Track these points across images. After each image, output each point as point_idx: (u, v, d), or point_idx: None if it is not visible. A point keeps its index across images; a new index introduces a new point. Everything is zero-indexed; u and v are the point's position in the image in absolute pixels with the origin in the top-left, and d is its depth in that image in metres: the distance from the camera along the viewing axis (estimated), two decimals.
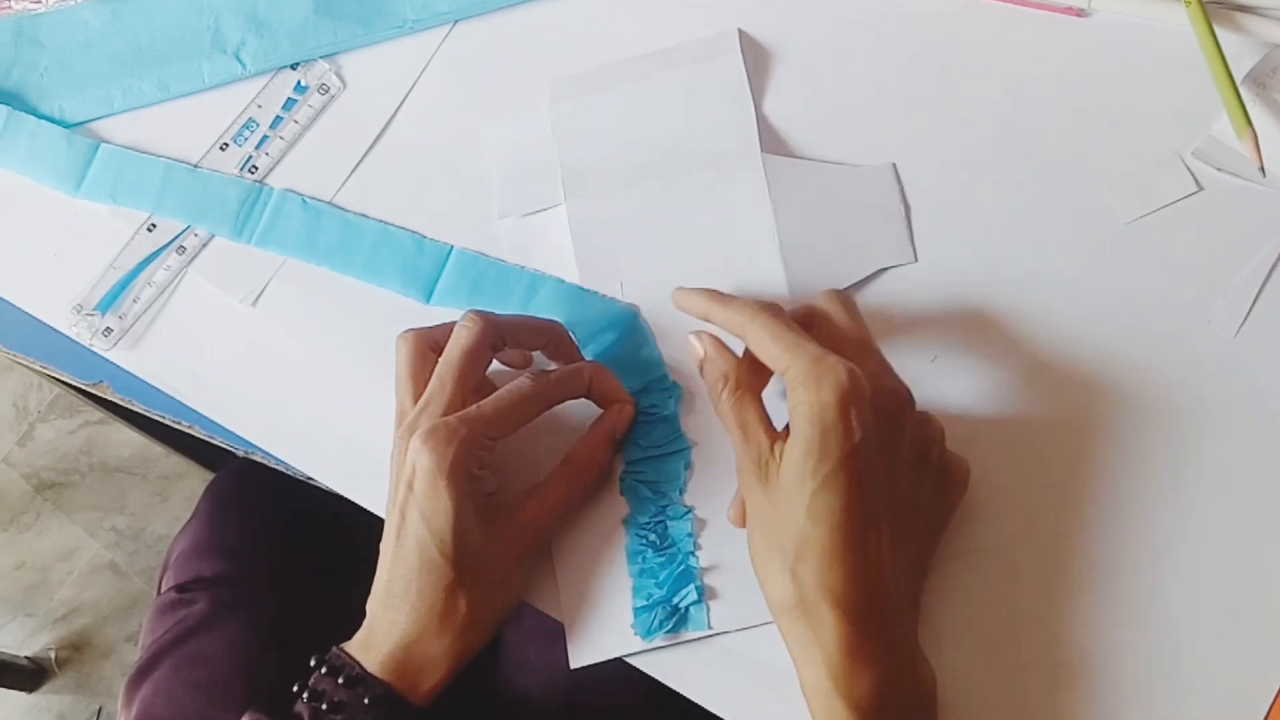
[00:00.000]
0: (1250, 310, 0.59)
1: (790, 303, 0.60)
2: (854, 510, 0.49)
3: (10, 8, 0.68)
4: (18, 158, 0.66)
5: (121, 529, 1.56)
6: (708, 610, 0.57)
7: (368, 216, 0.65)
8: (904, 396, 0.52)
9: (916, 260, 0.61)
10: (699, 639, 0.57)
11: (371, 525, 0.59)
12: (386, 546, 0.55)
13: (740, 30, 0.66)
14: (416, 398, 0.56)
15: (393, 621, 0.54)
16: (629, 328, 0.61)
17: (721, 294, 0.56)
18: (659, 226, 0.63)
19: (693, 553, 0.58)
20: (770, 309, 0.53)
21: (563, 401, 0.58)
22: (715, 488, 0.59)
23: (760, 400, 0.53)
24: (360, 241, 0.63)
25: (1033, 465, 0.58)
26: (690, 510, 0.58)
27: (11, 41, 0.68)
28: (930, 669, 0.52)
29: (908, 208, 0.62)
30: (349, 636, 0.56)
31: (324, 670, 0.54)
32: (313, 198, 0.65)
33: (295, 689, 0.54)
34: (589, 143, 0.64)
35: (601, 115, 0.65)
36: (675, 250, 0.63)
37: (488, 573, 0.54)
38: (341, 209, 0.65)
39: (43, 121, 0.66)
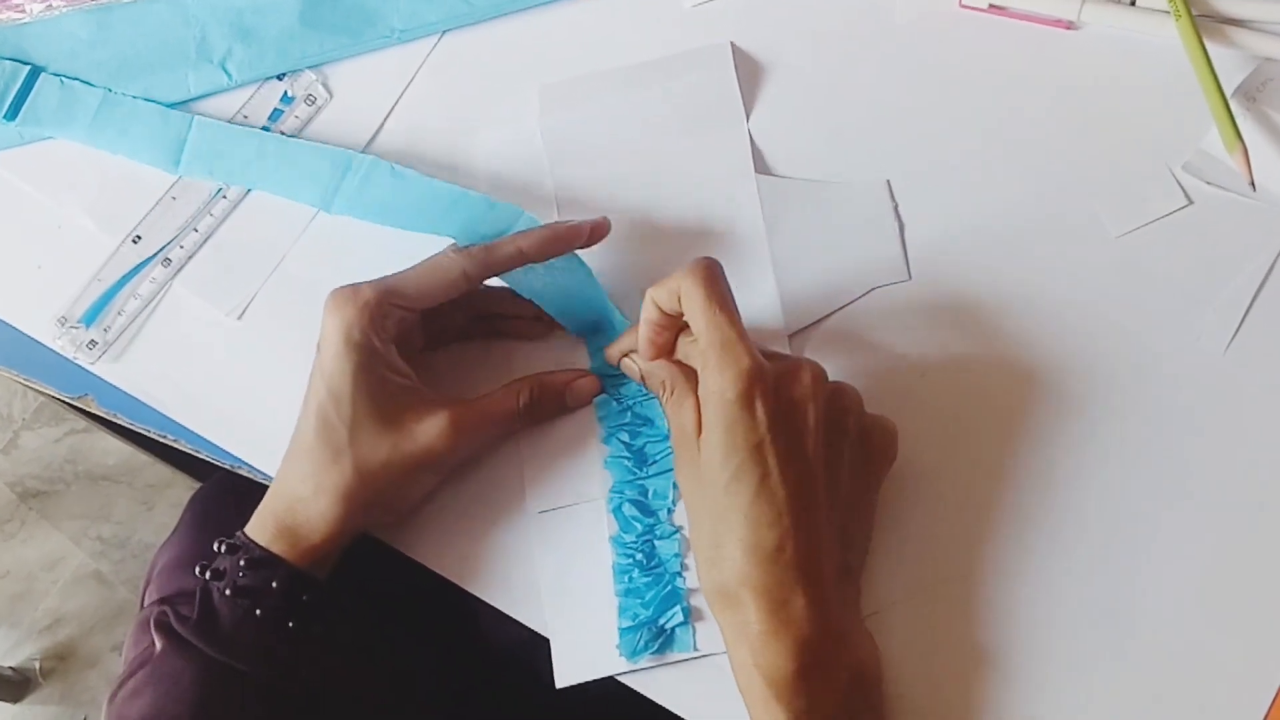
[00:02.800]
0: (1240, 325, 0.59)
1: (782, 331, 0.60)
2: (764, 498, 0.49)
3: None
4: (112, 137, 0.66)
5: (107, 538, 1.55)
6: (694, 631, 0.57)
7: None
8: (807, 373, 0.52)
9: (910, 279, 0.61)
10: (686, 659, 0.57)
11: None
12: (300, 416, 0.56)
13: (733, 44, 0.65)
14: None
15: (284, 480, 0.56)
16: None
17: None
18: (653, 246, 0.63)
19: (680, 573, 0.57)
20: (710, 269, 0.52)
21: (489, 276, 0.57)
22: None
23: (697, 397, 0.53)
24: (436, 203, 0.62)
25: (1021, 479, 0.58)
26: (678, 530, 0.58)
27: None
28: (872, 644, 0.52)
29: (901, 225, 0.62)
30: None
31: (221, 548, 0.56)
32: (403, 165, 0.64)
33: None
34: (581, 158, 0.64)
35: (593, 129, 0.65)
36: (669, 270, 0.62)
37: (380, 450, 0.54)
38: (427, 177, 0.63)
39: (139, 101, 0.66)
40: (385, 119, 0.66)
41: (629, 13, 0.67)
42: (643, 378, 0.56)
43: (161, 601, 0.78)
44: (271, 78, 0.67)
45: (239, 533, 0.56)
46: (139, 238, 0.65)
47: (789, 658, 0.49)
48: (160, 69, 0.67)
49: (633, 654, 0.56)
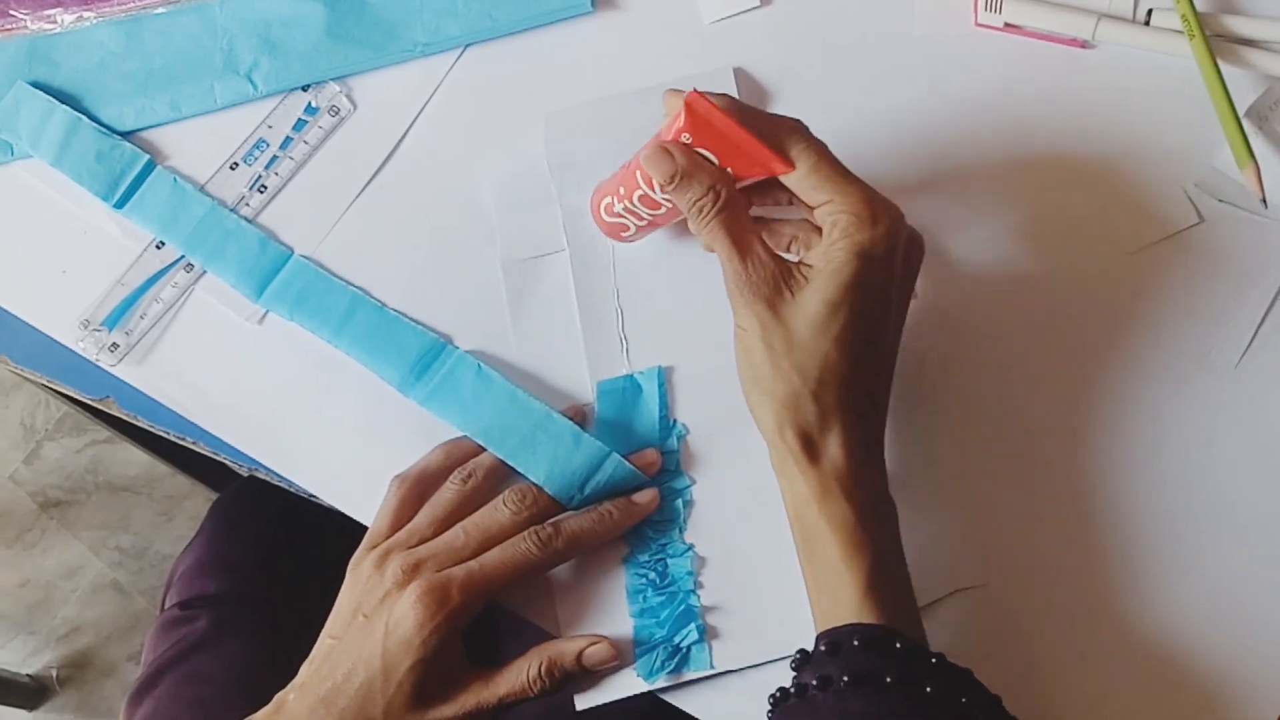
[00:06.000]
0: (1251, 341, 0.59)
1: None
2: (876, 340, 0.53)
3: (25, 28, 0.69)
4: (207, 250, 0.65)
5: (125, 548, 1.56)
6: (710, 649, 0.57)
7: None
8: (905, 229, 0.54)
9: (916, 295, 0.61)
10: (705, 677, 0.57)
11: None
12: (334, 646, 0.57)
13: (737, 69, 0.65)
14: (393, 529, 0.59)
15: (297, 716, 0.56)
16: (630, 396, 0.61)
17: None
18: (662, 271, 0.63)
19: (693, 591, 0.58)
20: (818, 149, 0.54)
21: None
22: (715, 525, 0.59)
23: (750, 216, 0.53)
24: (520, 419, 0.60)
25: (1033, 492, 0.58)
26: (690, 547, 0.59)
27: (26, 61, 0.68)
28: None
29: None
30: None
31: None
32: (487, 365, 0.62)
33: None
34: (588, 185, 0.63)
35: (598, 156, 0.64)
36: (676, 295, 0.62)
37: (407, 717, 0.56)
38: (512, 385, 0.61)
39: (243, 221, 0.66)
40: (408, 130, 0.67)
41: (650, 27, 0.67)
42: (674, 178, 0.53)
43: (181, 606, 0.79)
44: (296, 89, 0.68)
45: None
46: (163, 243, 0.66)
47: (873, 486, 0.52)
48: (187, 79, 0.68)
49: (650, 675, 0.57)
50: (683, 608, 0.58)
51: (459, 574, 0.55)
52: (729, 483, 0.60)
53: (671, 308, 0.62)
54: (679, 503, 0.59)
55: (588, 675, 0.58)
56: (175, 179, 0.66)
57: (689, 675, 0.57)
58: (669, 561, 0.58)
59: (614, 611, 0.59)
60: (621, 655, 0.57)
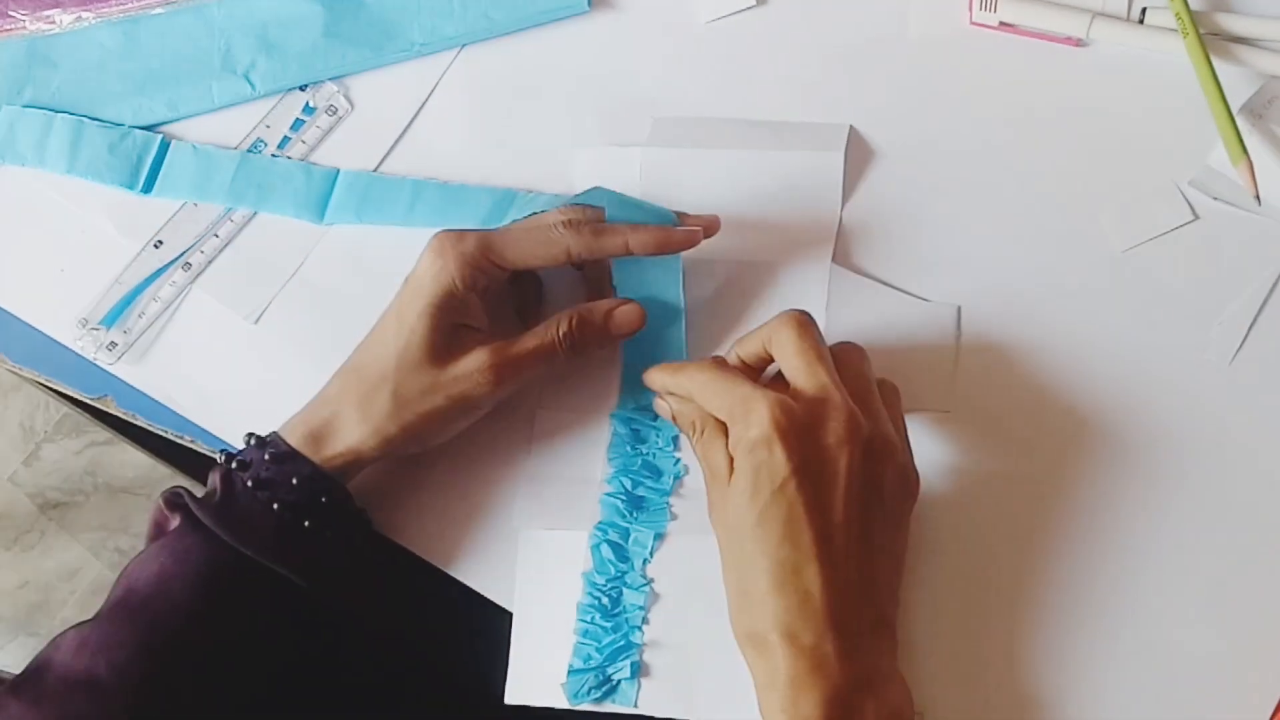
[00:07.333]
0: (1245, 338, 0.59)
1: None
2: (790, 541, 0.49)
3: (25, 28, 0.69)
4: (253, 197, 0.66)
5: (125, 550, 1.56)
6: (639, 687, 0.57)
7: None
8: (840, 420, 0.50)
9: (949, 411, 0.60)
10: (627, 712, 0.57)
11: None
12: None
13: (852, 127, 0.65)
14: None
15: (330, 391, 0.57)
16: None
17: (675, 364, 0.56)
18: (710, 299, 0.62)
19: (639, 627, 0.58)
20: (712, 363, 0.54)
21: (591, 260, 0.58)
22: (683, 565, 0.58)
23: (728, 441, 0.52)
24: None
25: (1025, 493, 0.59)
26: (649, 582, 0.58)
27: (25, 61, 0.69)
28: (906, 696, 0.51)
29: (958, 353, 0.61)
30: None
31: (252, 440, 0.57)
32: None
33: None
34: (674, 194, 0.63)
35: (694, 169, 0.64)
36: (716, 328, 0.62)
37: (419, 383, 0.55)
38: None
39: (277, 159, 0.67)
40: (405, 130, 0.68)
41: (647, 26, 0.68)
42: (674, 416, 0.56)
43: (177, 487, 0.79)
44: (294, 89, 0.68)
45: (271, 431, 0.57)
46: (160, 242, 0.66)
47: (818, 706, 0.48)
48: (185, 80, 0.68)
49: (575, 696, 0.57)
50: (623, 641, 0.57)
51: (480, 231, 0.56)
52: (708, 533, 0.57)
53: (708, 347, 0.62)
54: (651, 536, 0.59)
55: (608, 339, 0.58)
56: (194, 146, 0.67)
57: (611, 707, 0.57)
58: (624, 591, 0.58)
59: (561, 616, 0.58)
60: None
